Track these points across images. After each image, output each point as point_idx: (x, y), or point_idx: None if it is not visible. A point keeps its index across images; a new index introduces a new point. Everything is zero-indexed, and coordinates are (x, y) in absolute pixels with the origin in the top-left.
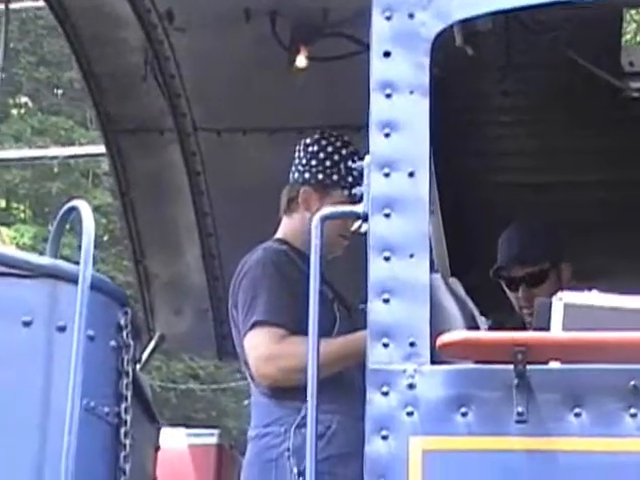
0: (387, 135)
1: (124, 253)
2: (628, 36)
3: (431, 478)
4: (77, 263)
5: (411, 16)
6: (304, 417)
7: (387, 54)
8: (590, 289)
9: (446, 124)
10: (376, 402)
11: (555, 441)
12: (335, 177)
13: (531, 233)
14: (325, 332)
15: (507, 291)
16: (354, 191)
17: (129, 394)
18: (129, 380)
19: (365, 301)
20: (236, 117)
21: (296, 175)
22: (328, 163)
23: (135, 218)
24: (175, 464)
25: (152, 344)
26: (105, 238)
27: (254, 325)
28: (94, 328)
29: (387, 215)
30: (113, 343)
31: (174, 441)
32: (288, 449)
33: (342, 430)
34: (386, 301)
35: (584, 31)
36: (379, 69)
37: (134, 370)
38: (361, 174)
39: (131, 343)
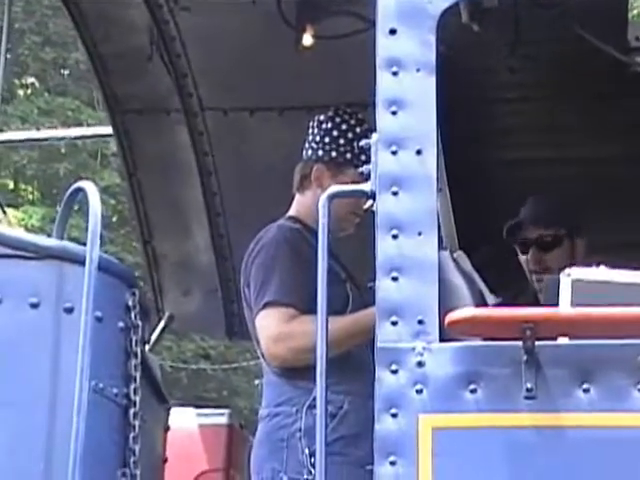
0: (394, 113)
1: (133, 234)
2: (635, 11)
3: (441, 455)
4: (85, 244)
5: None
6: (315, 397)
7: (393, 31)
8: (598, 265)
9: (453, 102)
10: (385, 380)
11: (564, 417)
12: (348, 155)
13: (549, 200)
14: (337, 312)
15: (519, 254)
16: (361, 169)
17: (138, 375)
18: (138, 361)
19: (374, 279)
20: (243, 96)
21: (309, 152)
22: (342, 141)
23: (143, 199)
24: (185, 444)
25: (161, 324)
26: (114, 219)
27: (265, 305)
28: (102, 309)
29: (395, 193)
30: (121, 324)
31: (184, 421)
32: (300, 429)
33: (354, 410)
34: (394, 279)
35: (591, 6)
36: (385, 47)
37: (143, 351)
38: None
39: (139, 324)
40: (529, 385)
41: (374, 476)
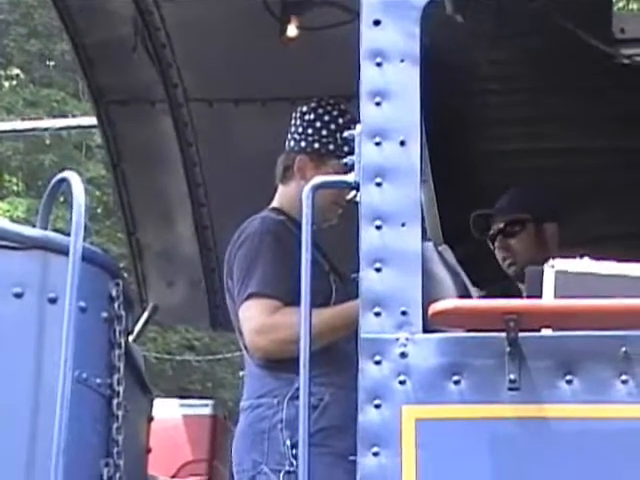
0: (378, 104)
1: (118, 225)
2: (621, 4)
3: (424, 446)
4: (69, 235)
5: None
6: (298, 389)
7: (377, 22)
8: (582, 256)
9: (437, 93)
10: (368, 371)
11: (547, 408)
12: (331, 146)
13: (514, 190)
14: (321, 304)
15: (493, 248)
16: (345, 160)
17: (121, 365)
18: (121, 351)
19: (357, 270)
20: (228, 87)
21: (292, 143)
22: (324, 132)
23: (127, 190)
24: (169, 435)
25: (145, 315)
26: (99, 210)
27: (249, 296)
28: (85, 299)
29: (378, 184)
30: (105, 314)
31: (168, 412)
32: (281, 421)
33: (335, 402)
34: (378, 270)
35: None
36: (369, 38)
37: (126, 341)
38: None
39: (123, 314)
40: (512, 376)
41: (357, 467)
